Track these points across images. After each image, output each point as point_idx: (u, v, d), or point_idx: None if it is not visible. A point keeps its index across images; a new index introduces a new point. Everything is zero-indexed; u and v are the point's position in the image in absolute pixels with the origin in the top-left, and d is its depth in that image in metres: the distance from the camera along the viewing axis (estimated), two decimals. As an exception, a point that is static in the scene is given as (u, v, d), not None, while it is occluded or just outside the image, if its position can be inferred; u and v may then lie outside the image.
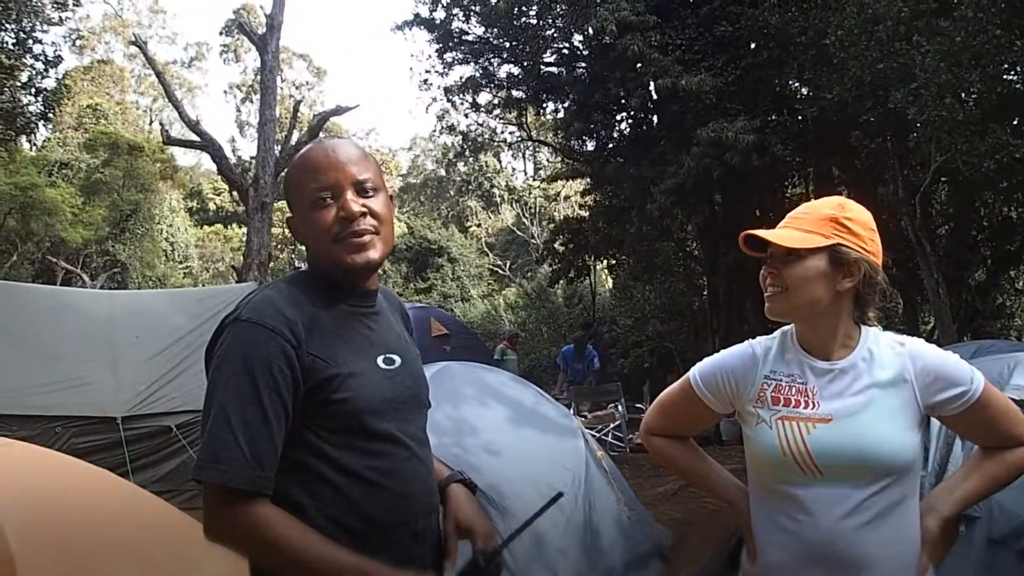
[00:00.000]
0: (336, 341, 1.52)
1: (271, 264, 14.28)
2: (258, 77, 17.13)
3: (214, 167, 16.24)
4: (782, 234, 1.70)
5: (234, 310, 1.51)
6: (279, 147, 14.55)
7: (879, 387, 1.67)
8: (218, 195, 37.20)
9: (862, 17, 8.76)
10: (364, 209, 1.54)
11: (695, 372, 1.88)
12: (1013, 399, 2.96)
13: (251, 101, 40.08)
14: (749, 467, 1.81)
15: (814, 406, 1.68)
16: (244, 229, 19.07)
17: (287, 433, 1.44)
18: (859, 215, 1.73)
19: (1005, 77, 8.36)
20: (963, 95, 8.27)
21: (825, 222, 1.69)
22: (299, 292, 1.54)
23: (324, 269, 1.59)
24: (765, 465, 1.73)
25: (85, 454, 5.71)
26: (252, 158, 20.13)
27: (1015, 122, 8.46)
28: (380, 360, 1.59)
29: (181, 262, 31.39)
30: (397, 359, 1.62)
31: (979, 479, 1.74)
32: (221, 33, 41.03)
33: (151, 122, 39.88)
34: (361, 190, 1.55)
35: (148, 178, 28.26)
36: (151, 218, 28.39)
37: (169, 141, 16.92)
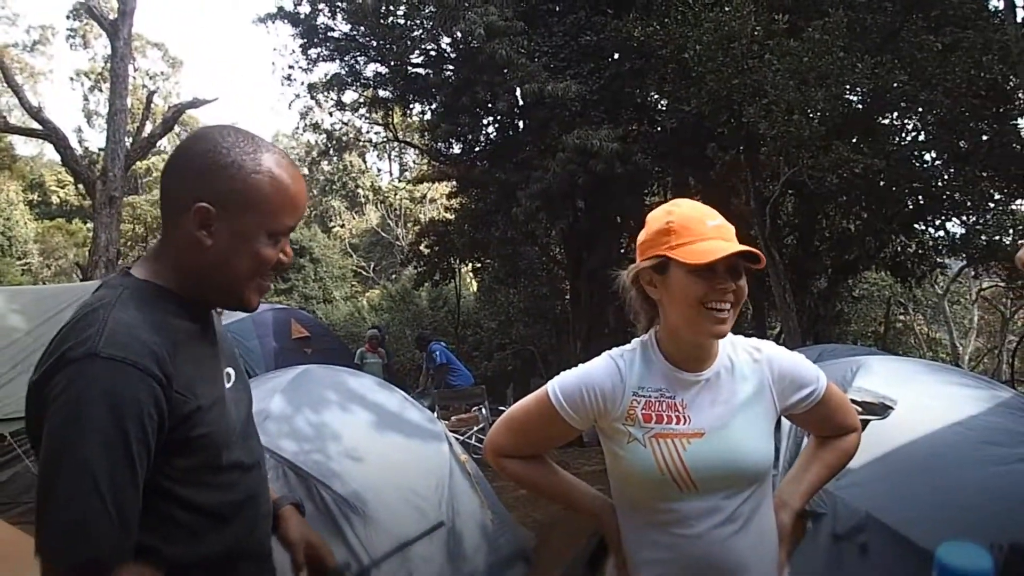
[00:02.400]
0: (192, 369, 1.34)
1: (119, 262, 13.46)
2: (108, 65, 16.20)
3: (58, 158, 15.20)
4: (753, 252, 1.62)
5: (80, 339, 1.24)
6: (130, 139, 13.79)
7: (744, 397, 1.68)
8: (62, 188, 34.94)
9: (719, 34, 9.13)
10: (292, 258, 1.48)
11: (555, 388, 1.74)
12: (855, 400, 3.13)
13: (100, 90, 37.86)
14: (616, 483, 1.77)
15: (686, 421, 1.65)
16: (90, 224, 17.95)
17: None
18: None
19: (847, 97, 8.91)
20: (809, 112, 8.74)
21: (733, 235, 1.67)
22: (153, 313, 1.33)
23: (200, 288, 1.41)
24: (639, 483, 1.69)
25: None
26: (101, 150, 19.00)
27: (855, 139, 9.01)
28: (224, 377, 1.46)
29: (19, 258, 29.23)
30: (232, 373, 1.49)
31: (819, 468, 1.82)
32: (68, 16, 38.52)
33: (-15, 107, 37.05)
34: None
35: (-19, 167, 26.23)
36: (-15, 211, 26.34)
37: (7, 128, 15.72)
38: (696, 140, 10.87)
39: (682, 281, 1.62)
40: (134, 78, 29.41)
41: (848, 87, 8.78)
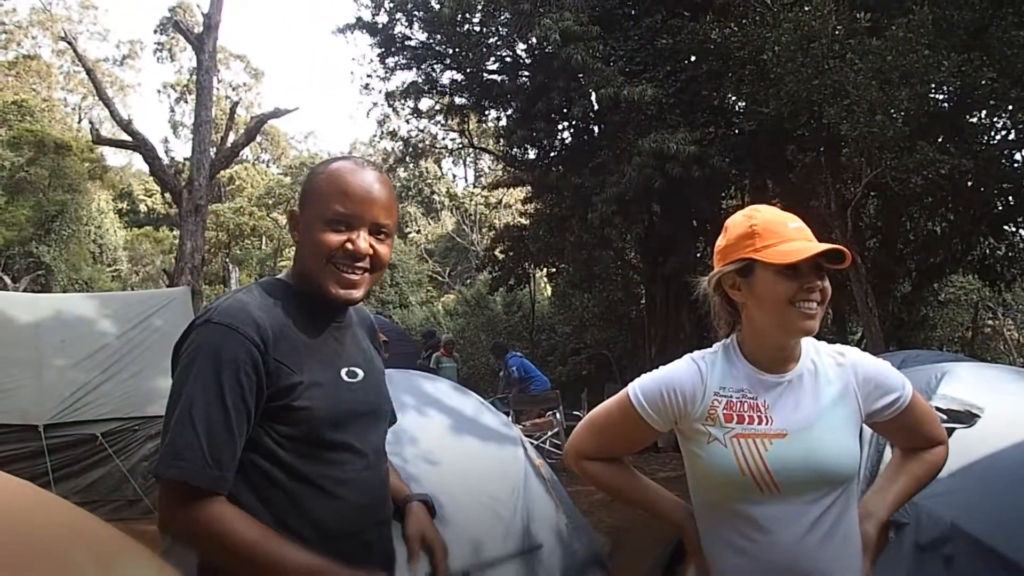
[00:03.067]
0: (302, 350, 1.53)
1: (204, 268, 13.94)
2: (193, 77, 16.79)
3: (146, 168, 15.84)
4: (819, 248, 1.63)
5: (204, 312, 1.53)
6: (214, 149, 14.26)
7: (828, 399, 1.67)
8: (150, 197, 36.37)
9: (798, 34, 8.97)
10: (371, 251, 1.58)
11: (636, 390, 1.76)
12: (940, 407, 3.06)
13: (186, 101, 39.36)
14: (696, 486, 1.77)
15: (768, 422, 1.65)
16: (176, 232, 18.62)
17: (247, 437, 1.45)
18: None
19: (932, 96, 8.65)
20: (893, 112, 8.51)
21: (813, 237, 1.68)
22: (272, 299, 1.56)
23: (306, 280, 1.60)
24: (719, 484, 1.69)
25: (4, 463, 5.49)
26: (186, 159, 19.70)
27: (941, 140, 8.75)
28: (343, 373, 1.60)
29: (109, 265, 30.46)
30: (360, 373, 1.63)
31: (906, 480, 1.79)
32: (155, 31, 40.21)
33: (80, 120, 38.83)
34: (376, 232, 1.59)
35: (76, 178, 27.39)
36: (78, 219, 27.48)
37: (99, 140, 16.46)
38: (775, 142, 10.69)
39: (769, 282, 1.64)
40: (218, 89, 30.38)
41: (934, 86, 8.53)
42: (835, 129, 9.04)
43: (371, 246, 1.57)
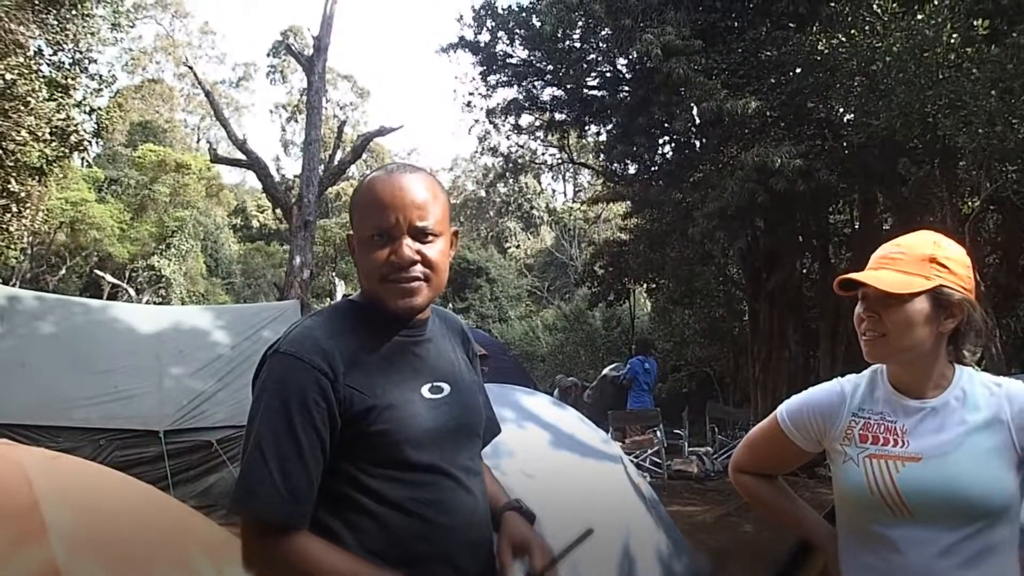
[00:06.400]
0: (377, 372, 1.51)
1: (312, 282, 14.42)
2: (304, 97, 17.40)
3: (259, 185, 16.52)
4: (882, 277, 1.64)
5: (275, 342, 1.53)
6: (323, 166, 14.74)
7: (972, 427, 1.62)
8: (262, 212, 37.83)
9: (910, 44, 8.66)
10: (417, 257, 1.52)
11: (782, 410, 1.86)
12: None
13: (296, 121, 40.86)
14: (837, 506, 1.79)
15: (903, 444, 1.64)
16: (287, 247, 19.31)
17: (326, 465, 1.45)
18: (957, 254, 1.69)
19: (1057, 105, 8.18)
20: (1014, 123, 8.11)
21: (924, 263, 1.65)
22: (341, 322, 1.55)
23: (372, 299, 1.58)
24: (853, 504, 1.70)
25: (127, 467, 5.80)
26: (296, 177, 20.43)
27: (1067, 150, 8.28)
28: (426, 389, 1.57)
29: (224, 278, 31.85)
30: (446, 387, 1.60)
31: None
32: (268, 54, 42.06)
33: (199, 140, 40.90)
34: (419, 235, 1.53)
35: (194, 195, 28.83)
36: (196, 235, 28.88)
37: (216, 159, 17.27)
38: (885, 155, 10.31)
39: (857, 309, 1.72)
40: (326, 109, 31.38)
41: (1058, 94, 8.08)
42: (951, 141, 8.67)
43: (417, 251, 1.52)
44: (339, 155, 15.53)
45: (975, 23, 8.34)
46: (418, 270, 1.52)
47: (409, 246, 1.51)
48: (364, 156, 20.25)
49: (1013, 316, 11.51)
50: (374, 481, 1.47)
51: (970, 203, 10.15)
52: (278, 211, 17.87)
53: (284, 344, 1.48)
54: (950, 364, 1.70)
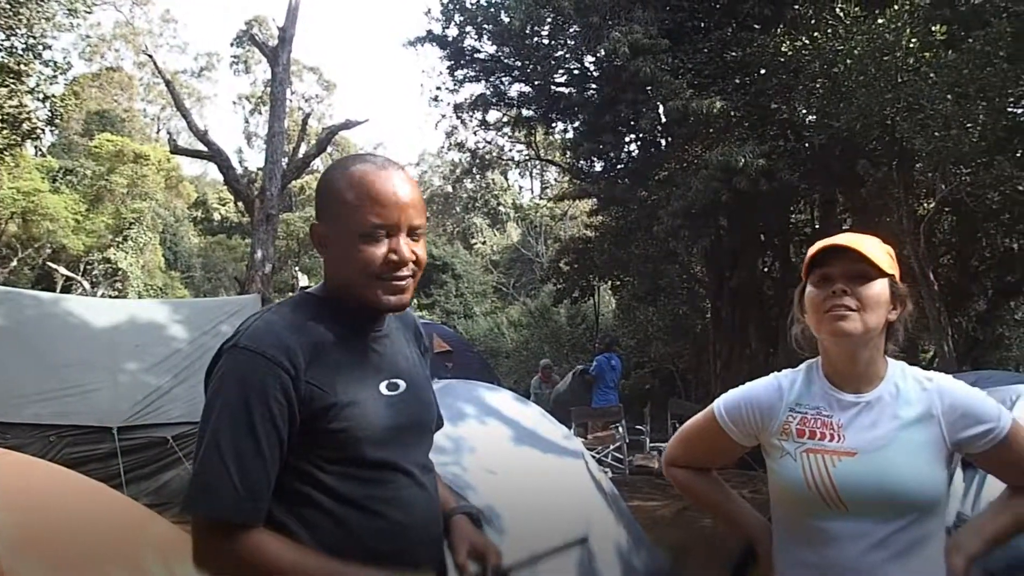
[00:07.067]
0: (337, 368, 1.49)
1: (274, 277, 14.27)
2: (268, 89, 17.21)
3: (220, 177, 16.31)
4: (866, 249, 1.67)
5: (233, 335, 1.49)
6: (286, 159, 14.59)
7: (905, 422, 1.66)
8: (223, 205, 37.35)
9: (871, 47, 8.80)
10: (413, 256, 1.53)
11: (719, 404, 1.86)
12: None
13: (260, 112, 40.37)
14: (772, 500, 1.81)
15: (839, 439, 1.67)
16: (248, 240, 19.10)
17: (283, 463, 1.43)
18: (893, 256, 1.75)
19: (1010, 110, 8.40)
20: (969, 127, 8.28)
21: (884, 252, 1.70)
22: (303, 317, 1.52)
23: (343, 293, 1.55)
24: (789, 498, 1.72)
25: (79, 464, 5.68)
26: (259, 169, 20.19)
27: (1019, 155, 8.48)
28: (383, 386, 1.56)
29: (183, 272, 31.39)
30: (402, 384, 1.59)
31: (1007, 519, 1.73)
32: (232, 44, 41.46)
33: (158, 130, 40.25)
34: (412, 233, 1.53)
35: (153, 187, 28.33)
36: (154, 227, 28.40)
37: (177, 150, 17.03)
38: (845, 156, 10.47)
39: (809, 294, 1.71)
40: (291, 101, 31.06)
41: (1012, 100, 8.27)
42: (908, 144, 8.84)
43: (412, 251, 1.53)
44: (303, 148, 15.38)
45: (933, 28, 8.51)
46: (409, 268, 1.53)
47: (407, 244, 1.52)
48: (329, 150, 20.07)
49: (965, 315, 11.75)
50: (331, 478, 1.46)
51: (926, 204, 10.37)
52: (240, 204, 17.68)
53: (244, 339, 1.45)
54: (884, 358, 1.74)
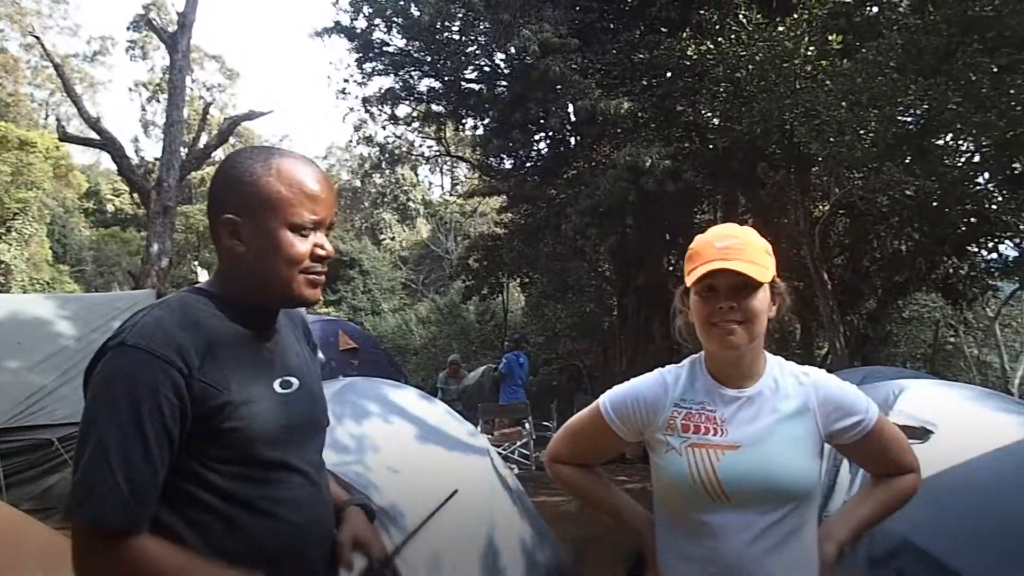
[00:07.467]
0: (231, 366, 1.45)
1: (171, 271, 13.77)
2: (166, 76, 16.62)
3: (114, 167, 15.61)
4: (748, 268, 1.67)
5: (117, 332, 1.41)
6: (186, 150, 14.13)
7: (784, 416, 1.72)
8: (118, 196, 35.81)
9: (771, 54, 9.10)
10: (332, 251, 1.54)
11: (605, 400, 1.86)
12: (898, 424, 3.12)
13: (158, 100, 38.90)
14: (656, 494, 1.83)
15: (723, 434, 1.71)
16: (144, 233, 18.38)
17: (170, 465, 1.37)
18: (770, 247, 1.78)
19: (899, 118, 8.79)
20: (861, 133, 8.65)
21: (764, 252, 1.73)
22: (194, 313, 1.46)
23: (250, 288, 1.51)
24: (674, 492, 1.75)
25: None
26: (156, 159, 19.50)
27: (908, 161, 8.90)
28: (277, 384, 1.53)
29: (73, 265, 29.97)
30: (295, 381, 1.56)
31: (872, 506, 1.82)
32: (128, 28, 39.73)
33: (47, 116, 38.27)
34: (328, 229, 1.54)
35: (40, 175, 26.90)
36: (41, 218, 27.00)
37: (66, 138, 16.18)
38: (747, 159, 10.80)
39: (694, 303, 1.73)
40: (191, 89, 30.19)
41: (901, 108, 8.67)
42: (805, 148, 9.17)
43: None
44: (204, 138, 14.90)
45: (830, 38, 8.86)
46: (326, 263, 1.54)
47: (324, 238, 1.53)
48: (232, 141, 19.50)
49: (857, 314, 12.26)
50: (222, 479, 1.41)
51: (821, 207, 10.76)
52: (135, 195, 17.00)
53: (131, 336, 1.37)
54: (763, 354, 1.80)
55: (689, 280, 1.72)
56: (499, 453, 6.88)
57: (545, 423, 11.78)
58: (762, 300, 1.70)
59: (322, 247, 1.50)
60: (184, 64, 13.90)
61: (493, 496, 4.53)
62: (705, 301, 1.71)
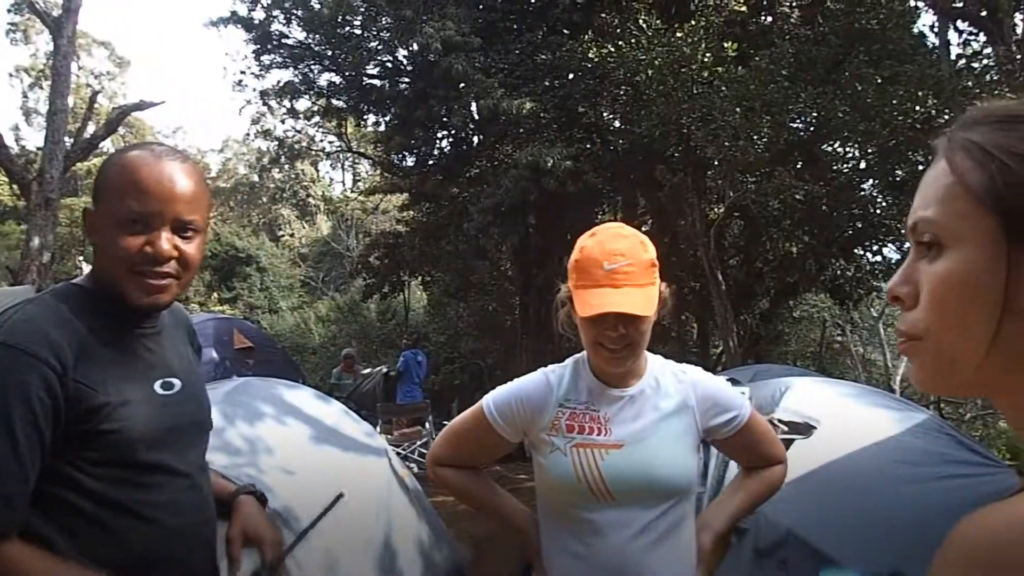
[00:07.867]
0: (108, 366, 1.38)
1: (54, 267, 13.11)
2: (50, 62, 15.82)
3: (-8, 156, 14.75)
4: (636, 301, 1.64)
5: None
6: (71, 139, 13.48)
7: (665, 413, 1.75)
8: (-6, 188, 33.92)
9: (670, 59, 9.30)
10: (174, 253, 1.41)
11: (489, 401, 1.84)
12: (782, 420, 3.22)
13: (41, 87, 36.94)
14: (540, 493, 1.83)
15: (607, 433, 1.72)
16: (24, 227, 17.44)
17: (41, 467, 1.30)
18: (652, 246, 1.78)
19: (791, 124, 9.14)
20: (755, 138, 8.94)
21: (650, 268, 1.71)
22: (69, 310, 1.39)
23: (107, 287, 1.44)
24: (558, 491, 1.75)
25: None
26: (39, 149, 18.54)
27: (798, 166, 9.25)
28: (158, 385, 1.47)
29: (-57, 260, 28.23)
30: (177, 383, 1.51)
31: (744, 496, 1.88)
32: (9, 11, 37.55)
33: (-82, 101, 35.94)
34: (180, 230, 1.42)
35: (-94, 164, 25.22)
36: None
37: (-61, 123, 15.26)
38: (646, 162, 11.02)
39: (582, 322, 1.72)
40: (78, 77, 28.84)
41: (792, 115, 9.02)
42: (701, 152, 9.43)
43: (175, 247, 1.41)
44: (91, 128, 14.23)
45: (726, 45, 9.13)
46: (172, 266, 1.42)
47: (168, 239, 1.40)
48: (121, 131, 18.76)
49: (750, 313, 12.66)
50: (96, 483, 1.35)
51: (716, 209, 11.06)
52: (15, 187, 16.09)
53: (2, 334, 1.31)
54: (644, 354, 1.81)
55: (577, 309, 1.70)
56: (398, 453, 6.80)
57: (445, 422, 11.70)
58: (649, 321, 1.71)
59: (152, 244, 1.39)
60: (69, 50, 13.27)
61: (390, 497, 4.47)
62: (593, 324, 1.69)
